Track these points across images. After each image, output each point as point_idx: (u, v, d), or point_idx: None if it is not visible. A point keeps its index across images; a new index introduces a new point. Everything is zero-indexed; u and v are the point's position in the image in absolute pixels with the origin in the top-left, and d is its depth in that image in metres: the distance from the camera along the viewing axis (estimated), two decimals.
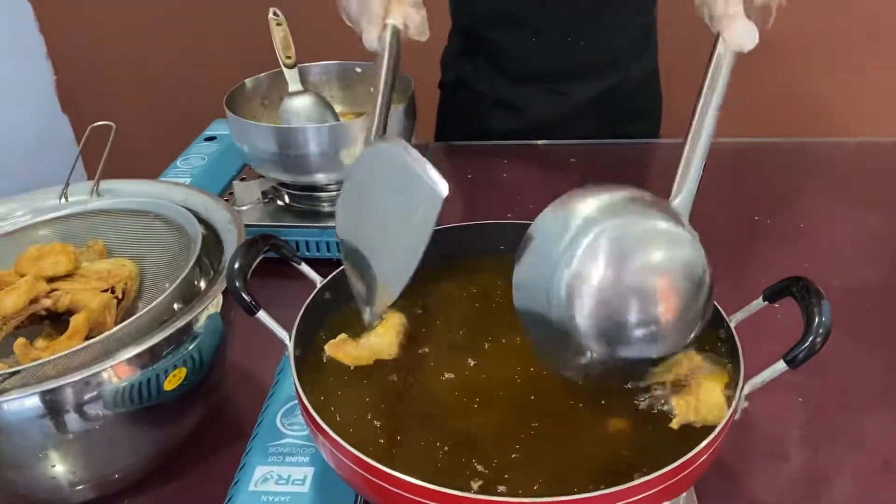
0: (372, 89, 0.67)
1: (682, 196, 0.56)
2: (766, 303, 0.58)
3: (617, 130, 1.22)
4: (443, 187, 0.53)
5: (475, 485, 0.50)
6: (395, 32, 0.74)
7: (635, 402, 0.56)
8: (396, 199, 0.57)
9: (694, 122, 0.58)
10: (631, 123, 1.26)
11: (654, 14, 1.24)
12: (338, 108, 1.04)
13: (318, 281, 0.64)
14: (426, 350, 0.62)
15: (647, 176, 1.15)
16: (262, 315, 0.56)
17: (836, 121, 1.81)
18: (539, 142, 1.20)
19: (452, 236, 0.70)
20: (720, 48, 0.60)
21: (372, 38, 0.73)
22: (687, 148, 0.57)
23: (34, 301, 0.66)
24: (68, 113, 1.99)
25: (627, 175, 1.12)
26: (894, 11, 1.74)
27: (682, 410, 0.53)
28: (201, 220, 0.73)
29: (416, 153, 0.55)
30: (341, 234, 0.64)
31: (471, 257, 0.71)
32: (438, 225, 0.54)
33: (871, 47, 1.75)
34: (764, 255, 0.93)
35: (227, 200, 0.90)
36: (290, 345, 0.56)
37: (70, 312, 0.66)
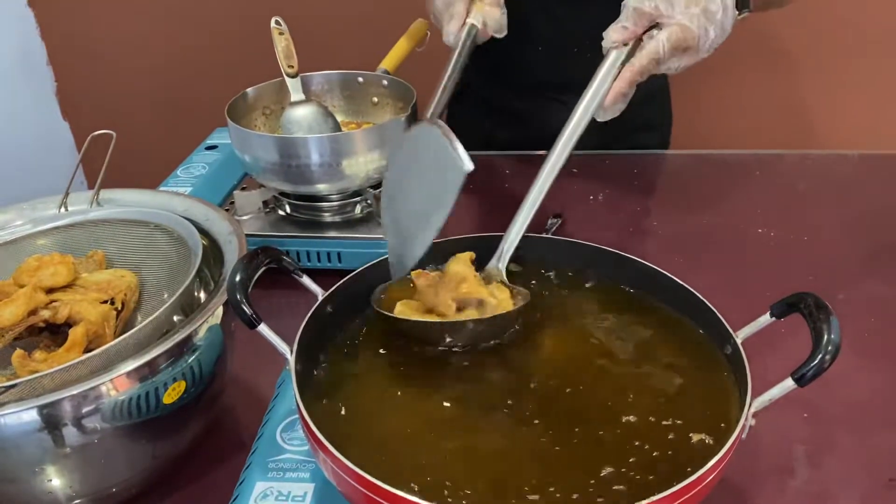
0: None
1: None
2: (774, 318, 0.57)
3: (622, 144, 1.22)
4: (468, 163, 0.59)
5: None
6: (472, 32, 0.81)
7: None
8: (431, 169, 0.63)
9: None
10: (637, 137, 1.25)
11: None
12: (339, 118, 1.03)
13: (320, 293, 0.63)
14: (430, 363, 0.61)
15: (650, 187, 1.14)
16: (263, 328, 0.55)
17: (839, 133, 1.81)
18: (541, 152, 1.19)
19: (452, 249, 0.70)
20: None
21: (451, 33, 0.81)
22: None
23: (33, 312, 0.65)
24: (69, 120, 1.99)
25: (630, 186, 1.12)
26: None
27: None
28: (202, 231, 0.72)
29: (450, 133, 0.61)
30: (385, 198, 0.70)
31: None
32: (453, 213, 0.61)
33: (875, 60, 1.75)
34: (768, 267, 0.93)
35: (227, 210, 0.89)
36: (292, 359, 0.56)
37: (69, 324, 0.65)
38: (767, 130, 1.84)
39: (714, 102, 1.74)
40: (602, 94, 0.73)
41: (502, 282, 0.67)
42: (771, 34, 1.73)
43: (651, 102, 1.27)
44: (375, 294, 0.66)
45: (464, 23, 0.83)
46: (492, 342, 0.63)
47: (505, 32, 0.87)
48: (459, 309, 0.62)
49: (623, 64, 0.74)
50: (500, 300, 0.64)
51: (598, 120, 0.74)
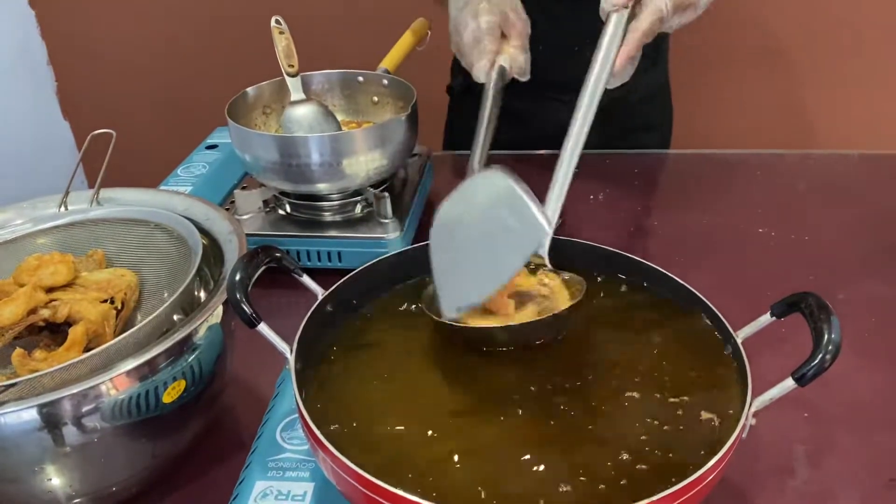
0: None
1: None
2: (774, 318, 0.57)
3: (624, 143, 1.22)
4: (546, 225, 0.56)
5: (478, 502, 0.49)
6: (502, 71, 0.82)
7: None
8: (499, 223, 0.58)
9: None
10: (638, 137, 1.25)
11: None
12: (340, 117, 1.03)
13: (320, 293, 0.63)
14: (430, 362, 0.61)
15: (650, 187, 1.14)
16: (262, 328, 0.55)
17: (839, 133, 1.81)
18: (541, 151, 1.19)
19: None
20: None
21: (482, 71, 0.83)
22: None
23: (33, 311, 0.65)
24: (69, 119, 1.99)
25: (630, 185, 1.12)
26: None
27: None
28: (202, 230, 0.72)
29: (528, 191, 0.57)
30: (438, 237, 0.64)
31: None
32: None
33: (875, 59, 1.75)
34: (768, 267, 0.93)
35: (227, 209, 0.89)
36: (291, 358, 0.56)
37: (69, 323, 0.65)
38: (768, 130, 1.84)
39: (714, 102, 1.74)
40: (612, 60, 0.70)
41: (550, 270, 0.66)
42: (772, 34, 1.73)
43: (652, 102, 1.27)
44: (425, 301, 0.64)
45: (493, 62, 0.84)
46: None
47: (528, 77, 0.87)
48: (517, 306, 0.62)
49: (626, 27, 0.72)
50: (554, 289, 0.63)
51: (608, 88, 0.71)
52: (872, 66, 1.76)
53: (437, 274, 0.63)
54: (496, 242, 0.58)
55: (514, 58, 0.85)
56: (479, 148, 0.75)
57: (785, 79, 1.79)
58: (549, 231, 0.56)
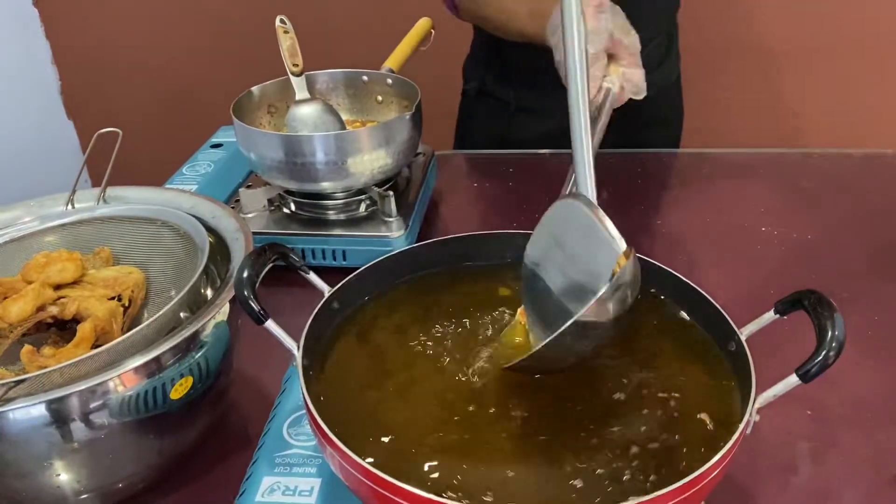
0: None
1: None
2: (778, 315, 0.57)
3: (638, 139, 1.22)
4: (621, 242, 0.54)
5: (486, 498, 0.49)
6: (609, 96, 0.79)
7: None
8: (580, 248, 0.58)
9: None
10: (651, 132, 1.25)
11: (676, 21, 1.23)
12: (344, 116, 1.04)
13: (326, 290, 0.63)
14: (435, 359, 0.62)
15: (653, 185, 1.14)
16: (270, 324, 0.56)
17: (841, 132, 1.81)
18: (544, 151, 1.19)
19: (460, 246, 0.70)
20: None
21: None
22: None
23: (41, 308, 0.66)
24: (73, 119, 2.00)
25: (634, 184, 1.12)
26: None
27: None
28: (208, 228, 0.72)
29: (599, 210, 0.57)
30: (528, 261, 0.63)
31: (476, 267, 0.71)
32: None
33: (877, 59, 1.75)
34: (772, 266, 0.93)
35: (232, 208, 0.90)
36: (299, 355, 0.56)
37: (76, 320, 0.66)
38: (770, 129, 1.85)
39: (716, 102, 1.74)
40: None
41: None
42: (774, 34, 1.73)
43: (664, 97, 1.26)
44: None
45: (599, 87, 0.81)
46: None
47: (644, 94, 0.85)
48: None
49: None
50: None
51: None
52: (873, 66, 1.76)
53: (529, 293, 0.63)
54: (580, 264, 0.58)
55: (630, 76, 0.83)
56: (588, 178, 0.69)
57: (784, 78, 1.79)
58: (623, 246, 0.54)
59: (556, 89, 1.20)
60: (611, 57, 0.84)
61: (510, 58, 1.21)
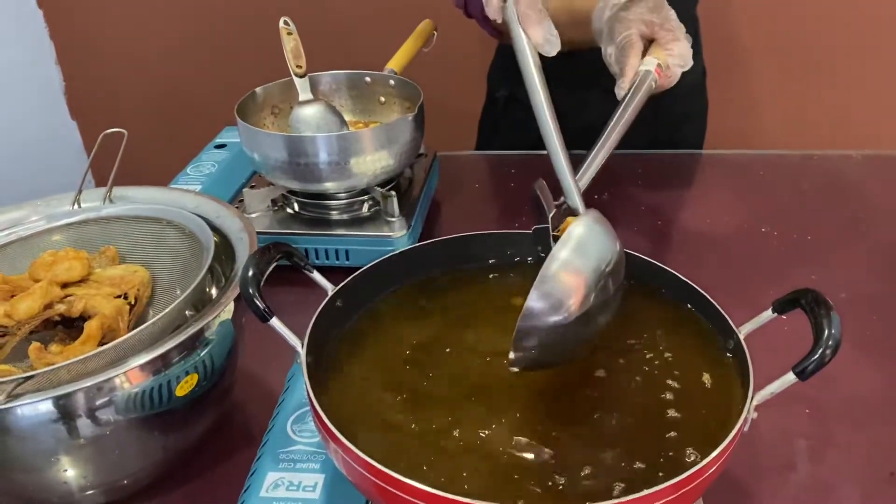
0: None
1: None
2: (776, 314, 0.58)
3: (666, 136, 1.23)
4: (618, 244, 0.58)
5: (489, 493, 0.50)
6: (647, 78, 0.78)
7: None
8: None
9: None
10: (679, 129, 1.26)
11: (696, 15, 1.23)
12: (347, 117, 1.04)
13: (330, 289, 0.64)
14: (437, 357, 0.63)
15: (654, 185, 1.15)
16: (274, 322, 0.56)
17: (842, 133, 1.82)
18: (545, 151, 1.19)
19: (461, 245, 0.71)
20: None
21: (624, 86, 0.78)
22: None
23: (48, 306, 0.66)
24: (77, 119, 2.00)
25: (634, 184, 1.13)
26: None
27: None
28: (213, 228, 0.73)
29: (602, 217, 0.59)
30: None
31: (477, 267, 0.72)
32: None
33: (878, 60, 1.75)
34: (771, 266, 0.93)
35: (236, 208, 0.90)
36: (303, 352, 0.57)
37: (83, 318, 0.66)
38: (771, 130, 1.85)
39: (717, 102, 1.74)
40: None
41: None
42: (774, 34, 1.74)
43: (693, 93, 1.27)
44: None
45: (636, 72, 0.79)
46: None
47: (691, 63, 0.82)
48: None
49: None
50: None
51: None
52: (873, 65, 1.76)
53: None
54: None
55: (675, 50, 0.81)
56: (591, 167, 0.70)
57: (787, 79, 1.79)
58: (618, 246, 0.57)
59: (588, 90, 1.21)
60: (652, 41, 0.83)
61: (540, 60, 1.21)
